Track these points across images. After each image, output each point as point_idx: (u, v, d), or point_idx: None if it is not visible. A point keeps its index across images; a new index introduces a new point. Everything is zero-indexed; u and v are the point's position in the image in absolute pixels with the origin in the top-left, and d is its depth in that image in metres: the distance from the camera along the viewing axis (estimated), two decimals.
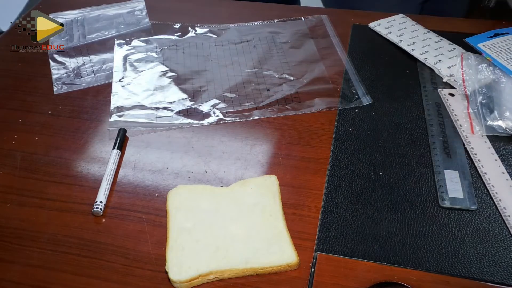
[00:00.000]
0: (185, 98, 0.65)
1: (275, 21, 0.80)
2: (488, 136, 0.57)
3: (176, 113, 0.63)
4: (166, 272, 0.44)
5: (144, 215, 0.50)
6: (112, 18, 0.82)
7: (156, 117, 0.62)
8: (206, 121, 0.62)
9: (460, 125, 0.59)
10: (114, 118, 0.62)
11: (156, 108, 0.64)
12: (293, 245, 0.46)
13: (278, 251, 0.45)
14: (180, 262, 0.44)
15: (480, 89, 0.61)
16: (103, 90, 0.67)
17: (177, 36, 0.78)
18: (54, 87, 0.67)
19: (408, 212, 0.50)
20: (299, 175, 0.54)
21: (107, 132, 0.60)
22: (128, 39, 0.76)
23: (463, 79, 0.64)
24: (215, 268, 0.44)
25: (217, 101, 0.65)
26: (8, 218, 0.50)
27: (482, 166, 0.54)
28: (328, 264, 0.45)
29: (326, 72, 0.69)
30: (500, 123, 0.57)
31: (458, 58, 0.66)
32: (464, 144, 0.57)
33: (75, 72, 0.70)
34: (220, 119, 0.62)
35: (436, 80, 0.67)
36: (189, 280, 0.44)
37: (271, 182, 0.52)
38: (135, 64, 0.71)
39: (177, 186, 0.52)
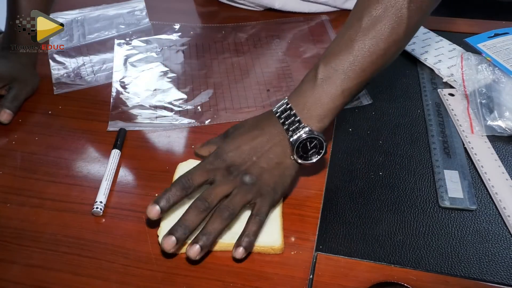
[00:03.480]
0: (185, 98, 0.65)
1: (275, 21, 0.81)
2: (488, 136, 0.57)
3: (176, 113, 0.63)
4: (157, 236, 0.46)
5: (144, 215, 0.50)
6: (112, 18, 0.82)
7: (156, 117, 0.62)
8: (206, 121, 0.62)
9: (460, 125, 0.59)
10: (114, 118, 0.62)
11: (156, 108, 0.64)
12: (283, 231, 0.47)
13: (266, 232, 0.46)
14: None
15: (480, 89, 0.61)
16: (103, 90, 0.67)
17: (177, 36, 0.78)
18: (54, 87, 0.67)
19: (408, 212, 0.50)
20: (299, 175, 0.54)
21: (107, 132, 0.60)
22: (128, 39, 0.76)
23: (463, 79, 0.64)
24: None
25: (217, 101, 0.65)
26: (8, 218, 0.50)
27: (482, 166, 0.54)
28: (328, 264, 0.45)
29: None
30: (500, 123, 0.57)
31: (458, 58, 0.66)
32: (464, 144, 0.57)
33: (75, 72, 0.70)
34: (220, 119, 0.62)
35: (436, 80, 0.67)
36: None
37: None
38: (135, 64, 0.71)
39: (187, 160, 0.54)
